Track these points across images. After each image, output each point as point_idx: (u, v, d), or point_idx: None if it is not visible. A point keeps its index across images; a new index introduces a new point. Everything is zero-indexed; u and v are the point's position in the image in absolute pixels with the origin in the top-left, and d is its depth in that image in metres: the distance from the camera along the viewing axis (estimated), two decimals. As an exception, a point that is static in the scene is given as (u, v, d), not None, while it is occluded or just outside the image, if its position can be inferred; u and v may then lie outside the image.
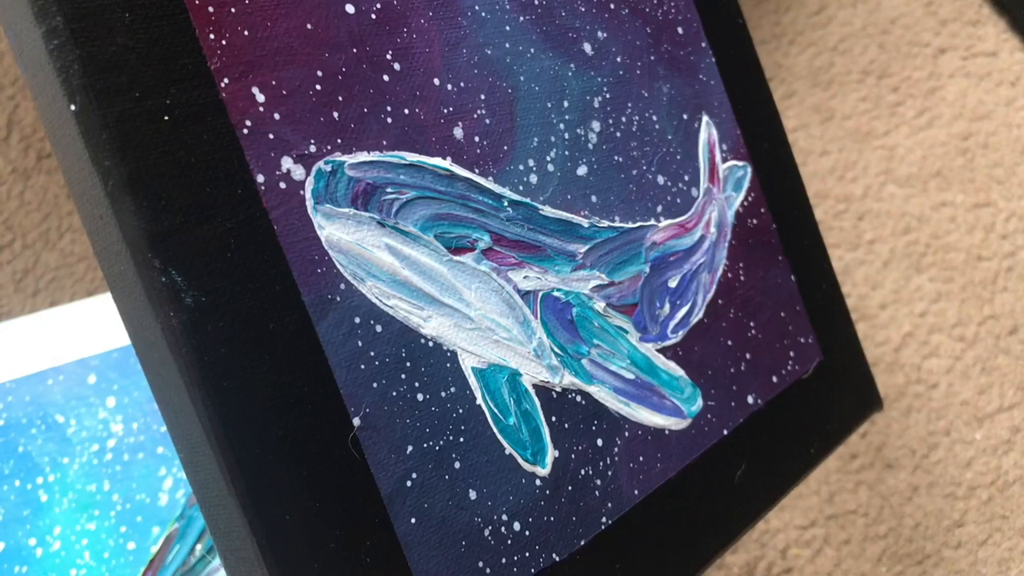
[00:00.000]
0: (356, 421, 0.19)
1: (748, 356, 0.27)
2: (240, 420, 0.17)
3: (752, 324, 0.28)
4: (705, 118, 0.28)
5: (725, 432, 0.26)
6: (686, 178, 0.27)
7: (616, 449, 0.23)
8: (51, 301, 0.46)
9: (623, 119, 0.26)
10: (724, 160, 0.29)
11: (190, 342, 0.16)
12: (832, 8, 0.50)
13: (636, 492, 0.23)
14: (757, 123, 0.30)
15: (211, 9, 0.18)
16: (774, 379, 0.28)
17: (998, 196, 0.48)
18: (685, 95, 0.28)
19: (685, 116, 0.28)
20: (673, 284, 0.26)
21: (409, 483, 0.19)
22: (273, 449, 0.17)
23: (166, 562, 0.42)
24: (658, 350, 0.25)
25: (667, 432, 0.24)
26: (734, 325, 0.27)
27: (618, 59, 0.26)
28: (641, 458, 0.24)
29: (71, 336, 0.42)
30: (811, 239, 0.31)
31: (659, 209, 0.26)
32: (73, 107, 0.16)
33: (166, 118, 0.17)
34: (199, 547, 0.41)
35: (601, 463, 0.23)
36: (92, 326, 0.41)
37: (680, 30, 0.28)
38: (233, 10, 0.18)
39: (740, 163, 0.29)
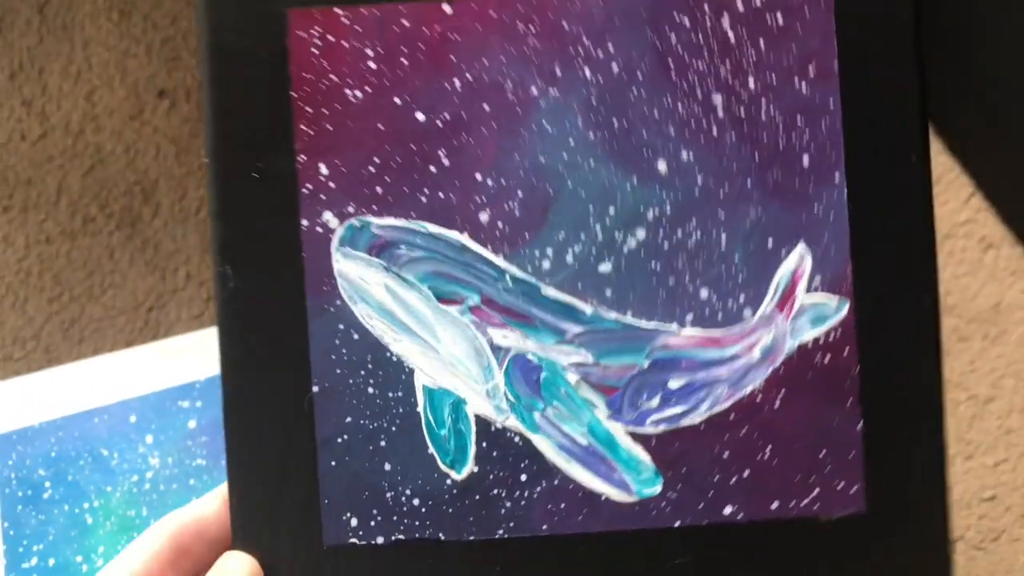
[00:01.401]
0: (315, 388, 0.30)
1: (746, 473, 0.31)
2: (242, 363, 0.30)
3: (768, 449, 0.31)
4: (801, 247, 0.31)
5: (677, 524, 0.31)
6: (741, 298, 0.31)
7: (538, 489, 0.31)
8: (94, 349, 0.56)
9: (679, 233, 0.31)
10: (813, 290, 0.31)
11: (226, 310, 0.29)
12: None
13: (544, 527, 0.30)
14: (886, 268, 0.31)
15: (309, 109, 0.29)
16: (773, 505, 0.31)
17: None
18: (780, 223, 0.31)
19: (770, 242, 0.31)
20: (674, 385, 0.31)
21: (339, 440, 0.30)
22: (258, 380, 0.30)
23: (194, 579, 0.52)
24: (628, 432, 0.30)
25: (604, 498, 0.30)
26: (741, 442, 0.31)
27: (699, 179, 0.31)
28: (563, 505, 0.31)
29: (115, 381, 0.49)
30: (919, 395, 0.33)
31: (688, 317, 0.31)
32: (206, 159, 0.29)
33: (254, 176, 0.29)
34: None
35: (517, 492, 0.31)
36: (133, 373, 0.49)
37: (807, 160, 0.31)
38: (325, 111, 0.29)
39: (837, 299, 0.31)
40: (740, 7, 0.33)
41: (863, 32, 0.33)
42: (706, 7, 0.32)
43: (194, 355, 0.51)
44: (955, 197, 0.61)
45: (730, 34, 0.33)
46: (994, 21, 0.57)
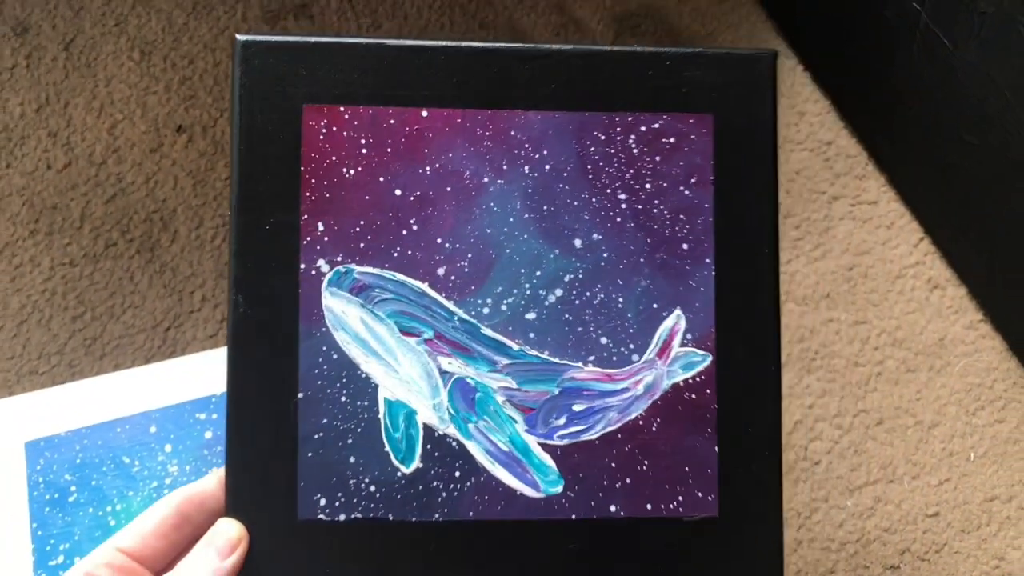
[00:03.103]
0: (300, 395, 0.38)
1: (628, 480, 0.41)
2: (247, 371, 0.39)
3: (646, 462, 0.41)
4: (678, 311, 0.41)
5: (573, 517, 0.40)
6: (631, 346, 0.41)
7: (468, 483, 0.40)
8: (115, 365, 0.61)
9: (587, 294, 0.41)
10: (685, 344, 0.41)
11: (236, 329, 0.38)
12: (748, 161, 0.65)
13: (471, 514, 0.39)
14: (740, 332, 0.41)
15: (313, 180, 0.39)
16: (648, 506, 0.40)
17: (873, 316, 0.65)
18: (663, 292, 0.41)
19: (655, 306, 0.41)
20: (577, 409, 0.40)
21: (316, 436, 0.39)
22: (257, 390, 0.38)
23: (210, 579, 0.54)
24: (540, 443, 0.40)
25: (519, 493, 0.40)
26: (625, 456, 0.41)
27: (604, 254, 0.41)
28: (487, 497, 0.40)
29: (137, 394, 0.53)
30: (761, 429, 0.43)
31: (591, 359, 0.41)
32: (231, 214, 0.38)
33: (267, 227, 0.38)
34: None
35: (452, 485, 0.39)
36: (154, 387, 0.54)
37: (686, 246, 0.41)
38: (325, 182, 0.39)
39: (702, 353, 0.41)
40: (643, 130, 0.43)
41: (734, 155, 0.44)
42: (618, 128, 0.43)
43: (210, 371, 0.55)
44: (905, 241, 0.67)
45: (634, 149, 0.43)
46: (945, 87, 0.64)
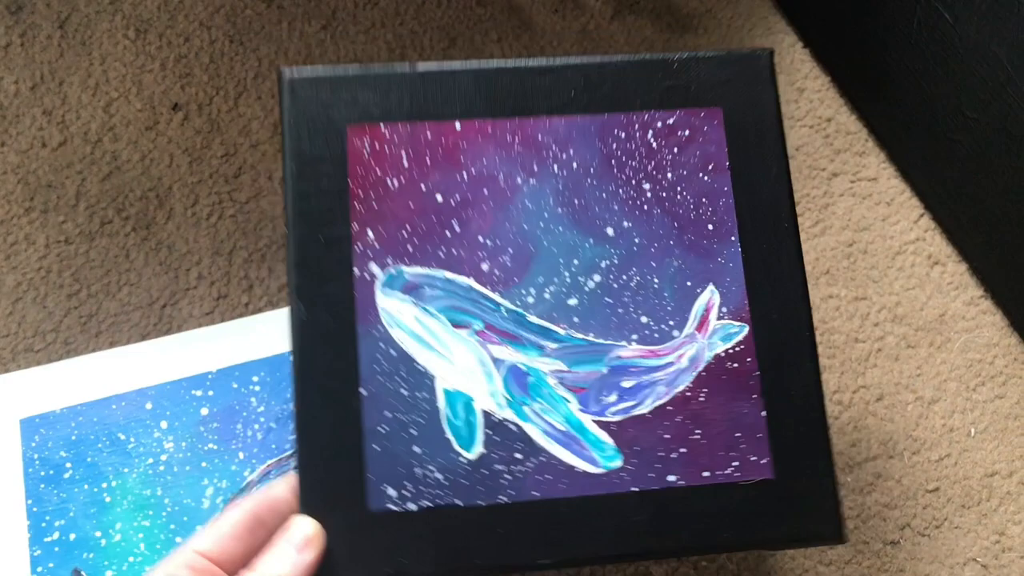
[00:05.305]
0: (362, 391, 0.41)
1: (683, 450, 0.42)
2: (311, 373, 0.42)
3: (698, 431, 0.43)
4: (711, 287, 0.43)
5: (634, 489, 0.41)
6: (671, 323, 0.43)
7: (530, 464, 0.42)
8: (111, 343, 0.60)
9: (624, 277, 0.43)
10: (721, 317, 0.43)
11: (299, 334, 0.41)
12: (749, 136, 0.66)
13: (536, 494, 0.41)
14: (771, 301, 0.44)
15: (361, 193, 0.42)
16: (704, 474, 0.42)
17: (873, 292, 0.65)
18: (695, 270, 0.44)
19: (689, 283, 0.44)
20: (626, 385, 0.43)
21: (380, 429, 0.41)
22: (321, 391, 0.41)
23: (205, 554, 0.52)
24: (595, 421, 0.42)
25: (579, 470, 0.41)
26: (677, 427, 0.42)
27: (636, 239, 0.44)
28: (549, 476, 0.42)
29: (132, 370, 0.53)
30: (803, 390, 0.45)
31: (634, 337, 0.43)
32: (287, 229, 0.42)
33: (321, 239, 0.41)
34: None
35: (514, 466, 0.41)
36: (150, 363, 0.53)
37: (711, 226, 0.44)
38: (372, 194, 0.42)
39: (738, 324, 0.43)
40: (659, 125, 0.47)
41: (745, 142, 0.47)
42: (636, 126, 0.47)
43: (207, 348, 0.54)
44: (905, 217, 0.67)
45: (653, 143, 0.47)
46: (945, 63, 0.63)
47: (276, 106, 0.67)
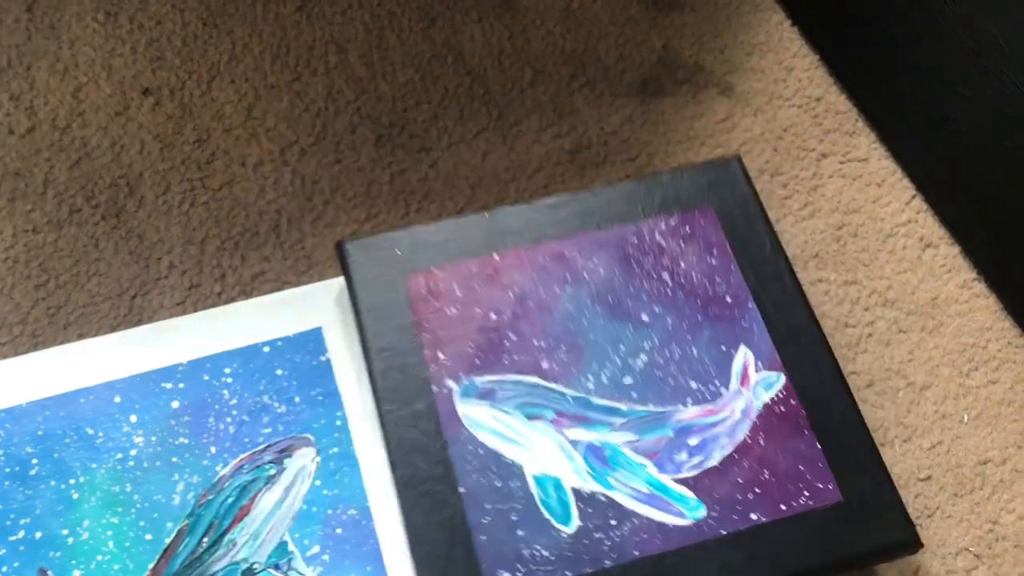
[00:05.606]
0: (461, 489, 0.45)
1: (757, 490, 0.46)
2: (412, 480, 0.47)
3: (766, 471, 0.47)
4: (743, 348, 0.49)
5: (723, 532, 0.45)
6: (717, 383, 0.49)
7: (625, 527, 0.46)
8: (79, 334, 0.57)
9: (667, 352, 0.49)
10: (758, 371, 0.49)
11: (395, 454, 0.45)
12: (736, 116, 0.67)
13: (636, 553, 0.45)
14: (796, 349, 0.50)
15: (426, 324, 0.49)
16: (782, 507, 0.46)
17: (863, 276, 0.62)
18: (725, 336, 0.50)
19: (723, 347, 0.50)
20: (693, 443, 0.47)
21: (484, 521, 0.45)
22: (422, 492, 0.45)
23: (177, 552, 0.47)
24: (674, 479, 0.46)
25: (670, 525, 0.45)
26: (747, 471, 0.47)
27: (668, 320, 0.50)
28: (644, 535, 0.46)
29: (100, 363, 0.50)
30: (845, 418, 0.50)
31: (688, 400, 0.48)
32: (368, 375, 0.47)
33: (399, 369, 0.47)
34: (205, 540, 0.47)
35: (611, 532, 0.45)
36: (118, 356, 0.51)
37: (728, 299, 0.50)
38: (436, 323, 0.49)
39: (775, 373, 0.49)
40: (663, 227, 0.55)
41: (737, 227, 0.55)
42: (645, 232, 0.54)
43: (177, 339, 0.52)
44: (897, 199, 0.65)
45: (662, 242, 0.54)
46: (937, 39, 0.60)
47: (250, 90, 0.65)
